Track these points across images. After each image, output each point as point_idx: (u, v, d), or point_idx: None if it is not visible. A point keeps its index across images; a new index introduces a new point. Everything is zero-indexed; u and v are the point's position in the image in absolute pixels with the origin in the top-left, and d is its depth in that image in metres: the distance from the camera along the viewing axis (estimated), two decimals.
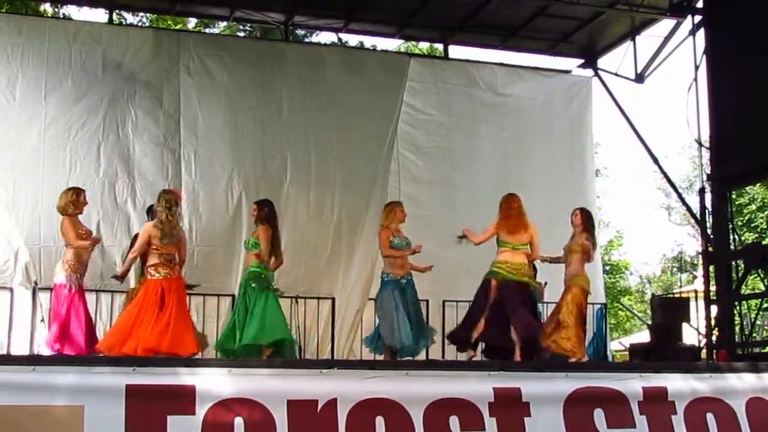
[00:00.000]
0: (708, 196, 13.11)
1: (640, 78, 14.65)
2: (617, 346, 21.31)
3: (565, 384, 8.18)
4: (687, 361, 10.76)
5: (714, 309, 12.77)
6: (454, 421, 7.68)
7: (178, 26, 17.86)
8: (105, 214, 11.99)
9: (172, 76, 12.87)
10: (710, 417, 8.49)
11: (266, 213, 9.62)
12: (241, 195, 12.71)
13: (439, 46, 16.31)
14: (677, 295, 16.88)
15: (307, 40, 19.00)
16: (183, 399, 7.09)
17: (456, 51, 15.27)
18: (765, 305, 13.28)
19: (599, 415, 8.13)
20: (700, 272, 21.17)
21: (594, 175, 15.56)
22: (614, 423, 8.16)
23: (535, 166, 14.33)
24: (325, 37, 18.99)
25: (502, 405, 7.84)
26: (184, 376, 7.24)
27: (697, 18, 13.49)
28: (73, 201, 9.52)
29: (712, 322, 12.70)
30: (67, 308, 9.08)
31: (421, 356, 11.92)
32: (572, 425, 8.01)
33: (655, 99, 39.95)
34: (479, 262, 10.52)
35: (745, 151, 12.33)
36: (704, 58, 13.18)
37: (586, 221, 10.02)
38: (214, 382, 7.23)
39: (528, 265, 9.91)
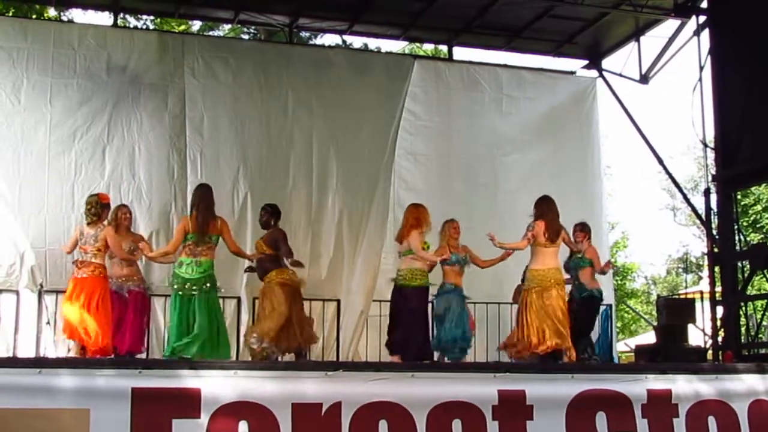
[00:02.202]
0: (713, 197, 13.09)
1: (644, 79, 14.62)
2: (623, 347, 21.29)
3: (571, 386, 8.16)
4: (693, 362, 10.74)
5: (720, 310, 12.74)
6: (456, 425, 7.68)
7: (183, 29, 17.88)
8: (111, 216, 12.00)
9: (176, 78, 12.90)
10: (711, 420, 8.47)
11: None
12: (246, 196, 12.74)
13: (444, 48, 16.29)
14: (683, 296, 16.81)
15: (311, 42, 19.01)
16: (188, 402, 7.09)
17: (460, 53, 15.28)
18: None
19: (601, 419, 8.11)
20: (705, 273, 21.13)
21: (602, 178, 15.50)
22: (615, 427, 8.15)
23: (540, 169, 14.30)
24: (330, 39, 19.03)
25: (505, 408, 7.82)
26: (189, 379, 7.25)
27: (702, 18, 13.46)
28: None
29: (718, 323, 12.67)
30: None
31: None
32: (573, 429, 8.00)
33: (659, 100, 39.96)
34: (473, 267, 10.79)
35: (751, 151, 12.32)
36: (709, 58, 13.16)
37: (534, 209, 10.03)
38: (219, 386, 7.23)
39: (421, 268, 10.06)
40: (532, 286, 9.75)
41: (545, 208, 9.93)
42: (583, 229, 11.07)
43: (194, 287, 8.94)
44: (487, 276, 12.15)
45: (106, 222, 9.71)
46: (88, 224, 9.55)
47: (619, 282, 30.84)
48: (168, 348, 8.98)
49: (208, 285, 9.03)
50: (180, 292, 8.95)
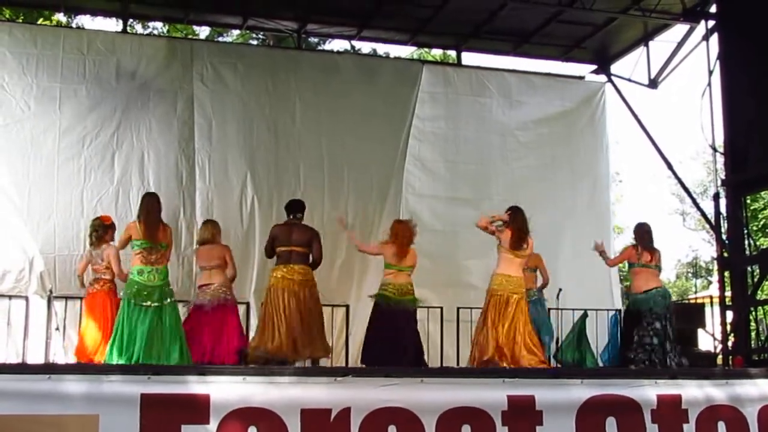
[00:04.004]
0: (723, 201, 13.06)
1: (653, 83, 14.59)
2: None
3: (580, 391, 8.12)
4: (703, 367, 10.69)
5: (729, 315, 12.70)
6: (466, 430, 7.65)
7: (191, 35, 17.91)
8: (120, 222, 11.95)
9: (185, 83, 12.94)
10: (721, 425, 8.42)
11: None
12: (254, 201, 12.77)
13: (452, 53, 16.27)
14: (692, 301, 16.76)
15: (319, 47, 19.01)
16: (197, 408, 7.08)
17: (469, 59, 15.25)
18: None
19: (611, 424, 8.06)
20: (715, 278, 21.06)
21: (610, 183, 15.47)
22: None
23: (549, 174, 14.27)
24: (338, 45, 19.04)
25: (514, 413, 7.79)
26: (198, 385, 7.23)
27: (711, 23, 13.44)
28: None
29: (728, 327, 12.63)
30: None
31: (435, 364, 11.96)
32: None
33: (668, 104, 39.88)
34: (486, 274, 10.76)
35: (760, 155, 12.27)
36: (718, 63, 13.13)
37: (509, 217, 9.90)
38: (228, 391, 7.22)
39: (388, 282, 10.25)
40: (493, 288, 9.67)
41: (512, 220, 9.82)
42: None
43: (158, 296, 8.79)
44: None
45: (113, 242, 10.02)
46: (91, 245, 10.09)
47: (628, 287, 30.67)
48: (125, 356, 8.60)
49: (171, 294, 8.97)
50: (137, 301, 8.71)
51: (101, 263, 9.90)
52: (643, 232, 10.76)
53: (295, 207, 9.98)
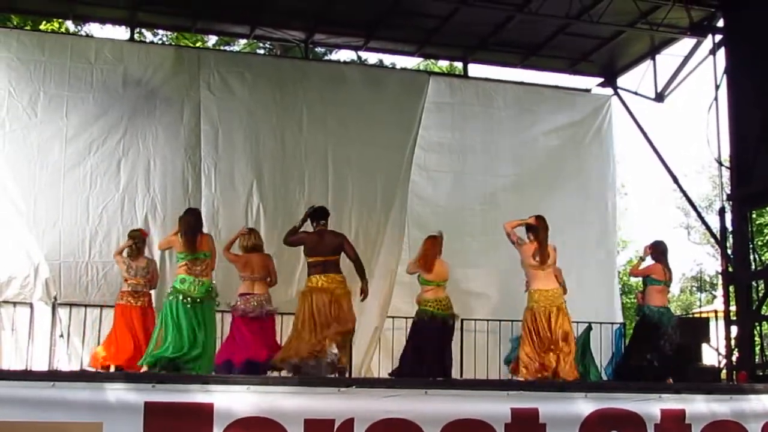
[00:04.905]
0: (728, 216, 13.04)
1: (659, 97, 14.59)
2: None
3: (584, 405, 8.13)
4: (707, 381, 10.68)
5: (734, 329, 12.68)
6: None
7: (199, 44, 17.96)
8: (125, 229, 11.99)
9: (192, 91, 12.93)
10: None
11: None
12: (259, 210, 12.76)
13: (459, 65, 16.30)
14: (697, 315, 16.74)
15: (326, 57, 19.05)
16: (201, 417, 7.11)
17: (475, 70, 15.27)
18: None
19: None
20: (719, 292, 21.04)
21: (616, 196, 15.46)
22: None
23: (555, 186, 14.25)
24: (345, 55, 19.09)
25: (518, 426, 7.81)
26: (202, 394, 7.26)
27: (718, 37, 13.45)
28: None
29: (733, 342, 12.61)
30: None
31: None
32: None
33: (674, 118, 39.92)
34: (489, 283, 10.70)
35: (766, 170, 12.26)
36: (725, 77, 13.14)
37: (535, 222, 9.94)
38: (232, 400, 7.24)
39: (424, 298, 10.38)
40: (531, 307, 9.68)
41: (537, 228, 9.88)
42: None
43: (200, 301, 8.99)
44: (498, 291, 12.24)
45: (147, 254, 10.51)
46: (129, 255, 10.26)
47: (633, 300, 30.61)
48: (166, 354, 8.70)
49: (212, 300, 9.19)
50: (184, 301, 8.90)
51: (145, 276, 10.18)
52: (661, 252, 10.79)
53: (321, 214, 9.86)
